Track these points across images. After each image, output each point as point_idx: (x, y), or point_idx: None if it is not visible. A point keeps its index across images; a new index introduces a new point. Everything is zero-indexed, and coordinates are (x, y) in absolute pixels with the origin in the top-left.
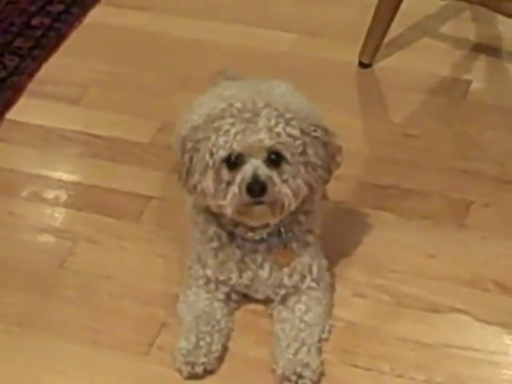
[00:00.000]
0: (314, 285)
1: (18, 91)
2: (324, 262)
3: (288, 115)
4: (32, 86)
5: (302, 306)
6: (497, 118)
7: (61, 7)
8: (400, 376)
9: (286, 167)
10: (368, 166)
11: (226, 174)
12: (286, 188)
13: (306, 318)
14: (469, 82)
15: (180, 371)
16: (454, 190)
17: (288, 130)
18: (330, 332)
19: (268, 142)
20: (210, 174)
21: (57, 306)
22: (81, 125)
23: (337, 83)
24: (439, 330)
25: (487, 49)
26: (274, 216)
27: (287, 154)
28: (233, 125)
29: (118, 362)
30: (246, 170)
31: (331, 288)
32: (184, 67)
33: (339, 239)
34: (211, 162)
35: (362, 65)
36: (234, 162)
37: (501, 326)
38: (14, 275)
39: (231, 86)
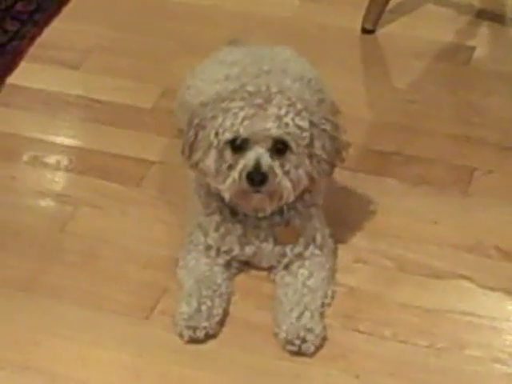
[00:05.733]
0: (317, 251)
1: (19, 56)
2: (327, 230)
3: (299, 105)
4: (33, 50)
5: (305, 271)
6: (500, 84)
7: None
8: (402, 341)
9: (290, 157)
10: (371, 132)
11: (229, 156)
12: (286, 180)
13: (308, 282)
14: (472, 49)
15: (181, 335)
16: (457, 156)
17: (297, 120)
18: (332, 297)
19: (275, 132)
20: (213, 153)
21: (58, 271)
22: (82, 89)
23: (340, 49)
24: (442, 296)
25: (491, 15)
26: (271, 205)
27: (293, 145)
28: (242, 108)
29: (119, 326)
30: (249, 158)
31: (334, 253)
32: (186, 32)
33: (341, 205)
34: (215, 142)
35: (365, 31)
36: (238, 146)
37: (503, 292)
38: (15, 239)
39: (234, 51)
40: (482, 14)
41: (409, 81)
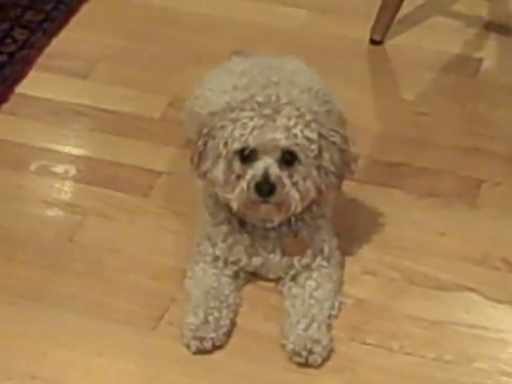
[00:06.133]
0: (324, 263)
1: (27, 65)
2: (334, 242)
3: (308, 117)
4: (42, 60)
5: (312, 283)
6: (508, 96)
7: None
8: (409, 354)
9: (298, 168)
10: (379, 143)
11: (237, 166)
12: (294, 191)
13: (316, 294)
14: (480, 60)
15: (188, 346)
16: (465, 168)
17: (306, 132)
18: (339, 309)
19: (284, 142)
20: (222, 163)
21: (66, 280)
22: (91, 99)
23: (348, 60)
24: (449, 308)
25: (499, 27)
26: (279, 215)
27: (301, 156)
28: (251, 119)
29: (126, 336)
30: (258, 168)
31: (341, 265)
32: (194, 42)
33: (349, 217)
34: (224, 152)
35: (374, 42)
36: (247, 156)
37: (511, 305)
38: (23, 249)
39: (243, 61)
40: (490, 26)
41: (417, 92)
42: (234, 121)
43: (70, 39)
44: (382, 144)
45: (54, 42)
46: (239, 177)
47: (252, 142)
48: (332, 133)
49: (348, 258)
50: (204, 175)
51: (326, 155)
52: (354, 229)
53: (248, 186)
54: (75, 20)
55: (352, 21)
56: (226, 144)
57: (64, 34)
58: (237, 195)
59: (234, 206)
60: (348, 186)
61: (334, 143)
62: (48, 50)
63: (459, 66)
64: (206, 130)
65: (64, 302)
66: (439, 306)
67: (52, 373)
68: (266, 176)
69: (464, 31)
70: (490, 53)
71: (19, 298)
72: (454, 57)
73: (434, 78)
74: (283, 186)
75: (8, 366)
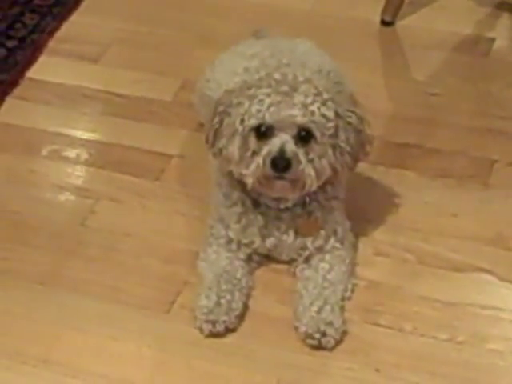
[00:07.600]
0: (338, 245)
1: (38, 50)
2: (347, 223)
3: (326, 95)
4: (52, 44)
5: (325, 265)
6: None
7: None
8: (422, 335)
9: (314, 146)
10: (390, 124)
11: (253, 142)
12: (310, 168)
13: (329, 276)
14: (492, 40)
15: (201, 329)
16: (477, 148)
17: (323, 110)
18: (352, 291)
19: (300, 119)
20: (238, 140)
21: (78, 264)
22: (101, 83)
23: (359, 41)
24: (462, 289)
25: (511, 6)
26: (294, 192)
27: (317, 134)
28: (268, 95)
29: (139, 319)
30: (274, 144)
31: (354, 247)
32: (205, 25)
33: (362, 198)
34: (240, 129)
35: (385, 23)
36: (263, 133)
37: None
38: (35, 233)
39: (253, 44)
40: (501, 6)
41: (428, 73)
42: (251, 97)
43: (80, 23)
44: (393, 125)
45: (64, 26)
46: (255, 153)
47: (269, 118)
48: (349, 113)
49: (361, 240)
50: (219, 153)
51: (341, 135)
52: (366, 210)
53: (264, 162)
54: (85, 4)
55: (363, 2)
56: (242, 120)
57: (74, 18)
58: (252, 171)
59: (249, 182)
60: (360, 168)
61: (350, 123)
62: (58, 34)
63: (471, 46)
64: (221, 108)
65: (77, 286)
66: (452, 287)
67: (65, 357)
68: (281, 151)
69: (476, 11)
70: (501, 32)
71: (32, 282)
72: (466, 37)
73: (446, 58)
74: (299, 162)
75: (21, 350)
